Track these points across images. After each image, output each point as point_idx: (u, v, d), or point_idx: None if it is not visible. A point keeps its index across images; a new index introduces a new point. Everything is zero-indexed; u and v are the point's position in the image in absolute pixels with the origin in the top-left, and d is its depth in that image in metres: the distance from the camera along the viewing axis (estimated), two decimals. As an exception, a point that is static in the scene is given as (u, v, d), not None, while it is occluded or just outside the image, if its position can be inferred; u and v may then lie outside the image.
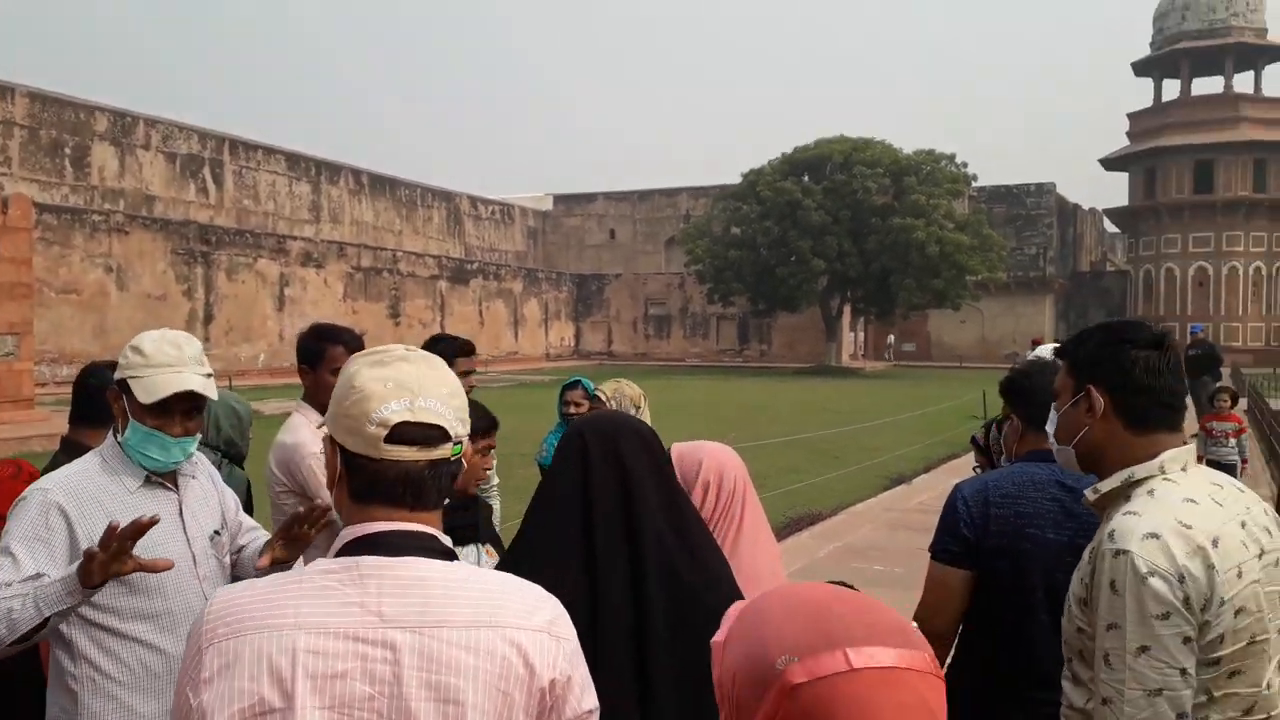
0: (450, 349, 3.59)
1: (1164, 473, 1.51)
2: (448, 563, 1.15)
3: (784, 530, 7.00)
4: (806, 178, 36.87)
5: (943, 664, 1.98)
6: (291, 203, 37.59)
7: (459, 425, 1.17)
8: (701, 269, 38.23)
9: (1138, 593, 1.39)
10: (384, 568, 1.11)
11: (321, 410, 2.79)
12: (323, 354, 2.81)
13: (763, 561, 1.92)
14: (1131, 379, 1.55)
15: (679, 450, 2.01)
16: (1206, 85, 44.68)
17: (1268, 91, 43.54)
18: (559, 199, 55.71)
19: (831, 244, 34.58)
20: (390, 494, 1.15)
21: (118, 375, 2.01)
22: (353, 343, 2.83)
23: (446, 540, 1.19)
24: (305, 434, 2.69)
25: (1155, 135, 44.14)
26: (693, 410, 19.12)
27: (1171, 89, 45.20)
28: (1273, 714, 1.46)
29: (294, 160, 37.95)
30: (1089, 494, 1.60)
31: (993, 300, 44.35)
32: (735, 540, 1.92)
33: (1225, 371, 17.92)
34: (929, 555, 2.09)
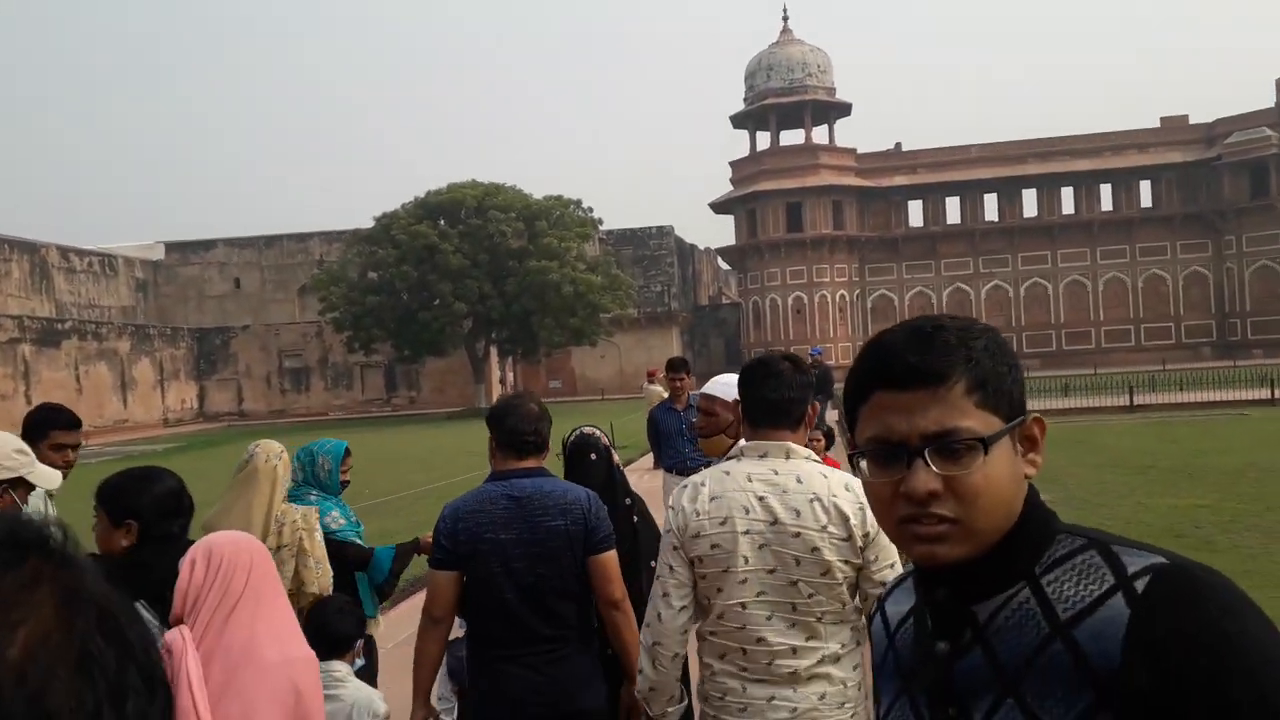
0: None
1: (741, 455, 2.11)
2: None
3: (401, 595, 6.61)
4: (442, 222, 36.73)
5: (445, 642, 2.72)
6: None
7: None
8: (339, 317, 36.57)
9: (666, 517, 2.13)
10: None
11: None
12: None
13: (263, 634, 1.88)
14: (747, 395, 2.15)
15: None
16: (793, 137, 50.98)
17: (839, 142, 50.54)
18: (172, 247, 50.68)
19: (472, 287, 34.65)
20: None
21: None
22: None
23: None
24: None
25: (753, 181, 49.41)
26: (329, 468, 18.01)
27: (764, 140, 50.98)
28: (748, 627, 2.05)
29: None
30: None
31: (626, 335, 46.93)
32: (225, 621, 1.87)
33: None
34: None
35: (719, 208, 52.56)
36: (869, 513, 1.79)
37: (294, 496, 3.38)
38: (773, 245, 48.33)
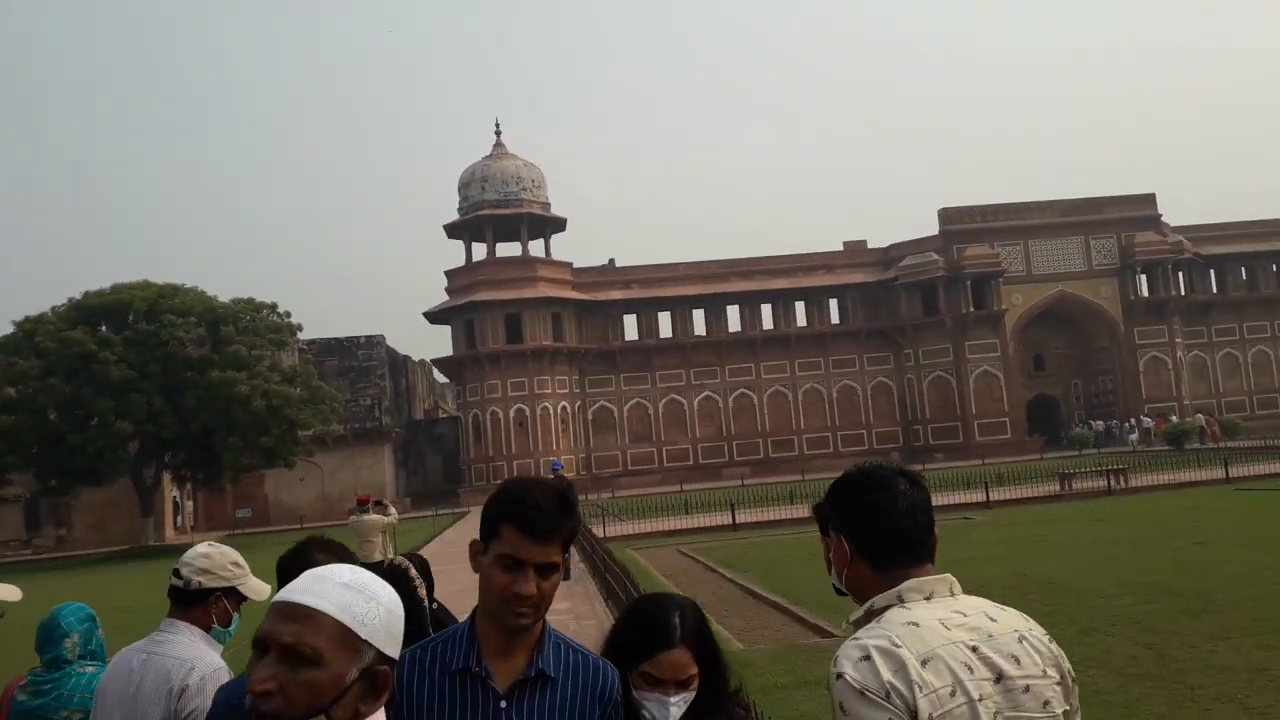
0: None
1: (902, 601, 1.58)
2: None
3: None
4: (104, 327, 31.46)
5: None
6: None
7: None
8: (-40, 442, 29.82)
9: (857, 712, 1.45)
10: None
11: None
12: None
13: None
14: (862, 523, 1.66)
15: None
16: (508, 249, 50.12)
17: (555, 256, 50.34)
18: None
19: (139, 402, 29.59)
20: None
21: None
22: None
23: None
24: None
25: (470, 291, 47.76)
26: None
27: (480, 250, 49.72)
28: None
29: None
30: (846, 626, 1.67)
31: (331, 454, 42.67)
32: None
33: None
34: None
35: (435, 317, 50.24)
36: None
37: (65, 676, 2.82)
38: (493, 356, 46.60)
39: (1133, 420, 46.24)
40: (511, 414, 46.63)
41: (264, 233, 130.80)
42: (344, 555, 2.43)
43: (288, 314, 34.37)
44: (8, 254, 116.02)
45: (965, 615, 1.58)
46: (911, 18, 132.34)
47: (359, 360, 47.86)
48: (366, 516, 10.75)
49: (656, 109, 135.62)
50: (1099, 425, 47.30)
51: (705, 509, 21.96)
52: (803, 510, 21.79)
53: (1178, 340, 50.04)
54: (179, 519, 40.73)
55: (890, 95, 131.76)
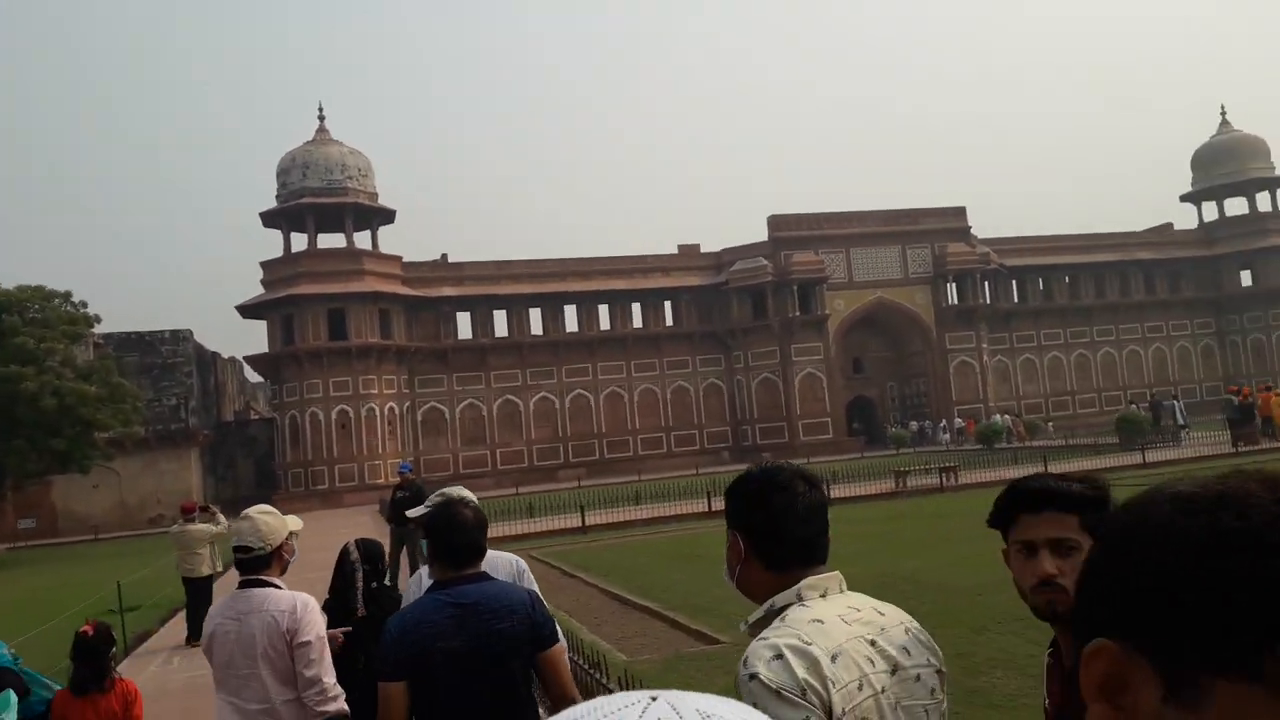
0: None
1: (801, 600, 1.61)
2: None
3: None
4: None
5: None
6: None
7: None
8: None
9: (774, 712, 1.42)
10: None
11: None
12: None
13: None
14: (759, 525, 1.69)
15: None
16: (332, 241, 47.50)
17: (383, 248, 48.15)
18: None
19: (-101, 401, 25.83)
20: None
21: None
22: None
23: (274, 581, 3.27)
24: None
25: (290, 284, 44.92)
26: None
27: (300, 241, 46.88)
28: None
29: None
30: (744, 627, 1.69)
31: (130, 459, 39.00)
32: None
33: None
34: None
35: (248, 311, 46.93)
36: None
37: None
38: (313, 354, 43.97)
39: (944, 421, 49.00)
40: (334, 415, 44.19)
41: (56, 215, 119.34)
42: (477, 508, 2.85)
43: (83, 304, 31.03)
44: None
45: (859, 610, 1.63)
46: (746, 36, 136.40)
47: (163, 357, 44.10)
48: (193, 526, 9.44)
49: (494, 107, 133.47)
50: (914, 425, 49.84)
51: (550, 511, 21.28)
52: (652, 511, 21.52)
53: (984, 346, 53.49)
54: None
55: (727, 103, 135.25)
